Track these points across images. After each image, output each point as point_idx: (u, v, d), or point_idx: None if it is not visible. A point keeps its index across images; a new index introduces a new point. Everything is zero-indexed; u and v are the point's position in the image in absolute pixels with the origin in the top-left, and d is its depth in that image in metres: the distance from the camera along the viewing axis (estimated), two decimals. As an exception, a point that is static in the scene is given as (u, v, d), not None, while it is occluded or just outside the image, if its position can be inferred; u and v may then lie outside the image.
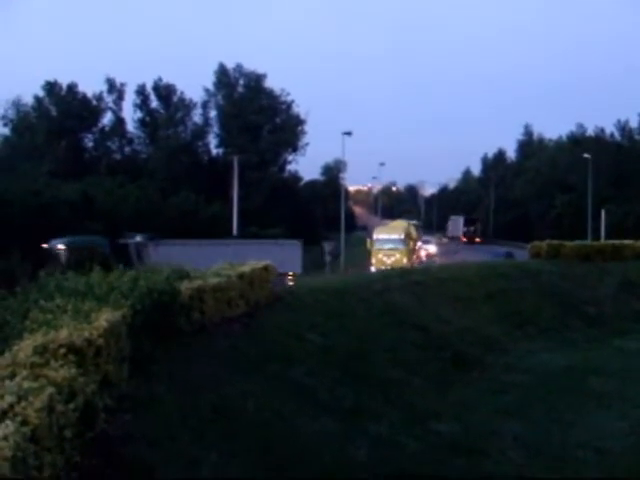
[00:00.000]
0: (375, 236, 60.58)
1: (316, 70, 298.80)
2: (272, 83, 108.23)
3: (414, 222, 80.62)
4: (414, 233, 66.53)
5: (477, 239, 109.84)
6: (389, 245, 58.29)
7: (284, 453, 12.30)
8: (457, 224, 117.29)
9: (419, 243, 76.14)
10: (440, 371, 23.32)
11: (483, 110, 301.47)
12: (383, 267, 52.60)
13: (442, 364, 24.02)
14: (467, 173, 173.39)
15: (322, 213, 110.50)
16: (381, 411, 17.55)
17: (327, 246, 55.70)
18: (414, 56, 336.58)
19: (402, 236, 59.42)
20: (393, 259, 56.48)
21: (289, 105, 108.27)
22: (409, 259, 57.89)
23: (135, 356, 11.88)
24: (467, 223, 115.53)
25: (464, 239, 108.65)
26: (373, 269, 53.99)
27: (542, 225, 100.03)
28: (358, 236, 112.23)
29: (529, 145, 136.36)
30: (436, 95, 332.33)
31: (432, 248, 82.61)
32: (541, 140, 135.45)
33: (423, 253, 75.18)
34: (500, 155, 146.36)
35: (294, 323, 20.97)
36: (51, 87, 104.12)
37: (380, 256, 57.36)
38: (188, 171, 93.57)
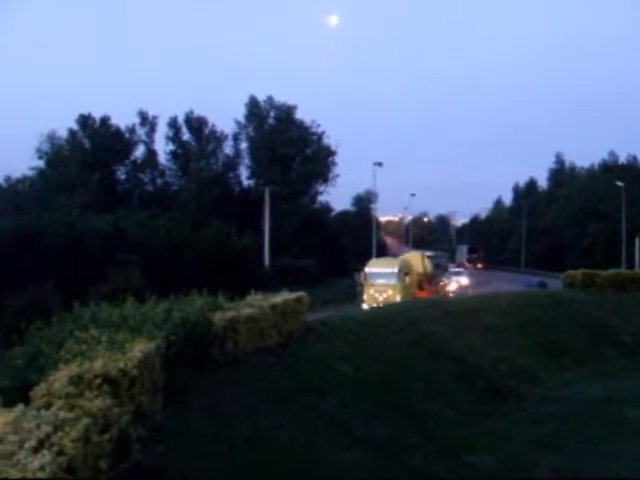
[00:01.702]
0: (367, 269, 53.01)
1: (346, 101, 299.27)
2: (303, 115, 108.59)
3: (429, 253, 69.55)
4: (420, 266, 57.71)
5: (479, 265, 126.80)
6: (381, 280, 51.04)
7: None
8: (462, 252, 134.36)
9: (450, 276, 73.14)
10: (474, 402, 23.09)
11: (514, 139, 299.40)
12: (375, 304, 46.68)
13: (476, 395, 23.79)
14: (498, 203, 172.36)
15: (353, 244, 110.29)
16: (414, 442, 17.39)
17: (359, 277, 55.20)
18: (444, 87, 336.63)
19: (395, 270, 51.76)
20: (385, 295, 49.80)
21: (320, 136, 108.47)
22: (403, 296, 49.54)
23: (168, 387, 11.89)
24: (470, 251, 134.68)
25: (467, 265, 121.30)
26: (365, 306, 47.55)
27: (574, 254, 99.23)
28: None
29: (561, 173, 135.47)
30: (466, 125, 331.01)
31: (464, 280, 78.30)
32: (573, 168, 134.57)
33: (454, 286, 69.98)
34: (531, 184, 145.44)
35: (326, 354, 20.89)
36: (85, 120, 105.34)
37: (372, 292, 50.60)
38: (219, 203, 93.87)
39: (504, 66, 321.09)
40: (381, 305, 44.43)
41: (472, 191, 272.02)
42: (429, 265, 59.76)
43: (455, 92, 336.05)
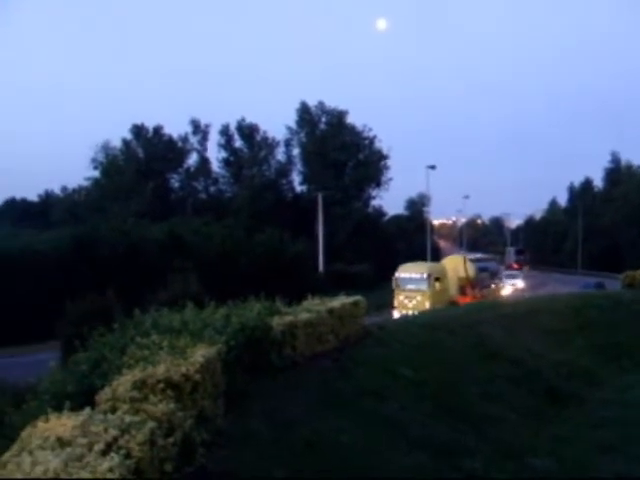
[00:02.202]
0: (397, 274, 50.17)
1: (398, 104, 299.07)
2: (354, 119, 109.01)
3: (472, 256, 66.25)
4: (462, 270, 54.09)
5: (526, 266, 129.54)
6: (411, 285, 48.56)
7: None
8: (510, 254, 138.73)
9: (504, 279, 70.73)
10: (534, 405, 22.81)
11: (568, 139, 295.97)
12: (405, 312, 45.44)
13: (536, 398, 23.50)
14: (553, 203, 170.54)
15: (406, 248, 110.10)
16: (475, 446, 17.22)
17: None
18: (497, 87, 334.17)
19: (425, 275, 48.85)
20: (414, 302, 47.36)
21: (371, 141, 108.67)
22: (434, 302, 46.95)
23: (229, 391, 11.97)
24: (517, 253, 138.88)
25: (515, 266, 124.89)
26: (396, 314, 46.30)
27: (633, 254, 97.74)
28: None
29: (617, 173, 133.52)
30: (520, 125, 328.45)
31: (520, 283, 76.10)
32: (629, 167, 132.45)
33: (509, 289, 68.37)
34: (587, 184, 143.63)
35: (385, 357, 20.82)
36: (138, 130, 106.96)
37: (401, 298, 48.32)
38: (272, 209, 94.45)
39: (558, 65, 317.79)
40: (410, 312, 43.02)
41: (526, 192, 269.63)
42: (472, 269, 55.81)
43: (508, 91, 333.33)
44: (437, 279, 49.63)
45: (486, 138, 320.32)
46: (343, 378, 17.48)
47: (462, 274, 54.04)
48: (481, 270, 59.86)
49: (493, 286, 62.06)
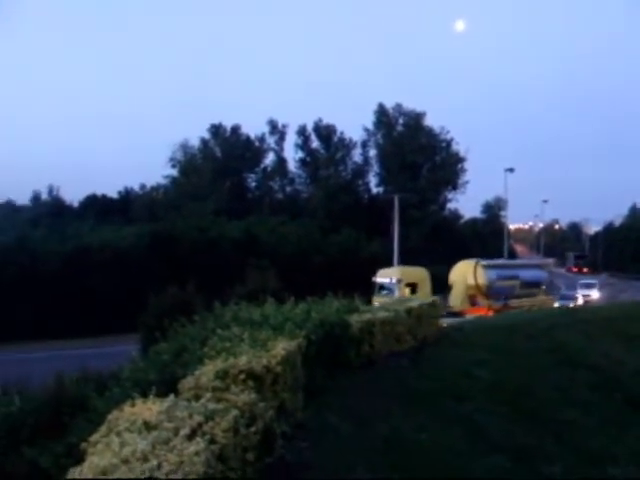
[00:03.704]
0: (374, 279, 47.28)
1: (476, 106, 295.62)
2: (431, 121, 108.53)
3: (485, 262, 52.63)
4: (471, 278, 48.90)
5: (584, 269, 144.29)
6: (384, 291, 45.33)
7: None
8: (570, 258, 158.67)
9: (578, 289, 64.82)
10: (613, 413, 22.31)
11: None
12: None
13: (616, 405, 22.99)
14: (634, 209, 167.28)
15: (482, 252, 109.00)
16: (553, 451, 16.95)
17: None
18: (579, 87, 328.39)
19: (394, 280, 45.78)
20: None
21: (449, 143, 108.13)
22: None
23: (308, 386, 12.01)
24: (577, 258, 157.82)
25: (574, 269, 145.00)
26: None
27: None
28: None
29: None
30: (603, 126, 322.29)
31: (594, 294, 69.03)
32: None
33: (580, 300, 61.80)
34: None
35: (461, 359, 20.65)
36: (216, 129, 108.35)
37: (376, 304, 42.68)
38: (348, 210, 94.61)
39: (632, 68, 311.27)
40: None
41: (606, 197, 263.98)
42: (483, 276, 49.15)
43: (590, 92, 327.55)
44: (410, 285, 45.74)
45: (566, 141, 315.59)
46: (420, 377, 17.40)
47: (471, 282, 49.07)
48: (507, 278, 51.55)
49: (538, 297, 54.16)
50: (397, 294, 42.32)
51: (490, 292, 48.76)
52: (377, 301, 38.55)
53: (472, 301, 48.52)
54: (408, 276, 46.82)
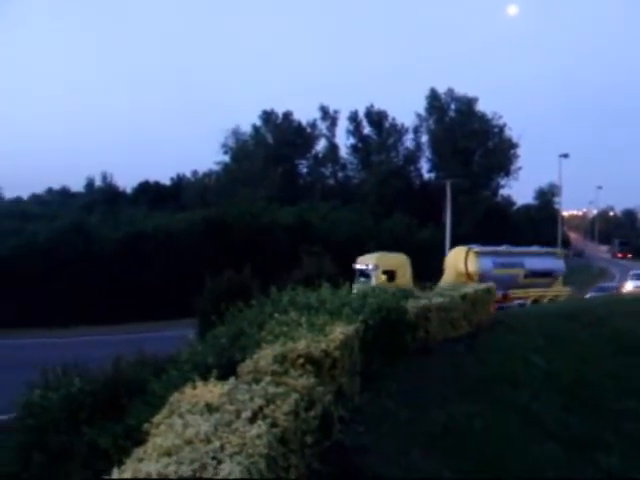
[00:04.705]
0: (354, 265, 45.45)
1: (530, 91, 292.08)
2: (484, 107, 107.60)
3: (479, 248, 48.51)
4: (462, 265, 46.16)
5: (629, 255, 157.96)
6: (362, 278, 43.08)
7: (515, 476, 12.00)
8: (615, 244, 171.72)
9: (629, 279, 55.82)
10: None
11: None
12: None
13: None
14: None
15: (535, 239, 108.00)
16: (610, 441, 16.71)
17: None
18: (635, 72, 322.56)
19: (370, 267, 44.14)
20: None
21: (501, 129, 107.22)
22: None
23: (365, 371, 12.01)
24: (621, 244, 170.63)
25: (619, 255, 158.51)
26: None
27: None
28: (575, 262, 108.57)
29: None
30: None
31: None
32: None
33: (629, 289, 51.81)
34: None
35: (517, 346, 20.48)
36: (268, 116, 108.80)
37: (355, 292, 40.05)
38: (400, 195, 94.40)
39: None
40: None
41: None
42: (475, 264, 46.13)
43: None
44: (387, 272, 43.53)
45: (621, 127, 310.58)
46: (475, 364, 17.30)
47: (462, 269, 46.20)
48: (507, 266, 47.71)
49: (551, 288, 50.72)
50: (374, 281, 40.59)
51: (484, 281, 38.18)
52: (356, 288, 34.46)
53: None
54: (385, 263, 45.04)
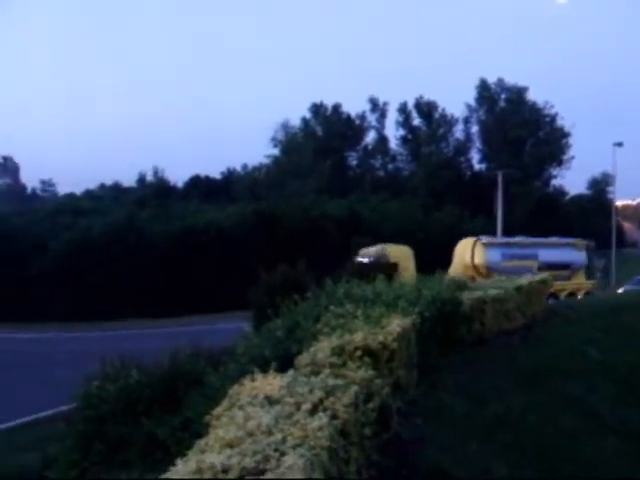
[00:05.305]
0: (356, 258, 43.76)
1: (582, 80, 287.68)
2: (535, 96, 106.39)
3: (487, 240, 47.53)
4: (468, 257, 44.70)
5: None
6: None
7: (573, 471, 11.88)
8: None
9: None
10: None
11: None
12: None
13: None
14: None
15: (587, 230, 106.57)
16: (671, 435, 16.48)
17: (598, 262, 50.98)
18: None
19: (372, 260, 42.22)
20: None
21: (553, 118, 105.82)
22: None
23: (421, 363, 12.00)
24: None
25: None
26: None
27: None
28: (628, 253, 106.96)
29: None
30: None
31: None
32: None
33: None
34: None
35: (572, 338, 20.25)
36: (317, 108, 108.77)
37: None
38: (450, 187, 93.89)
39: None
40: None
41: None
42: (483, 256, 44.63)
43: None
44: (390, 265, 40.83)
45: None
46: (530, 356, 17.17)
47: (468, 261, 44.56)
48: (519, 258, 45.02)
49: (571, 281, 48.14)
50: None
51: (492, 274, 40.37)
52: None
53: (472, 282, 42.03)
54: (385, 255, 43.37)
